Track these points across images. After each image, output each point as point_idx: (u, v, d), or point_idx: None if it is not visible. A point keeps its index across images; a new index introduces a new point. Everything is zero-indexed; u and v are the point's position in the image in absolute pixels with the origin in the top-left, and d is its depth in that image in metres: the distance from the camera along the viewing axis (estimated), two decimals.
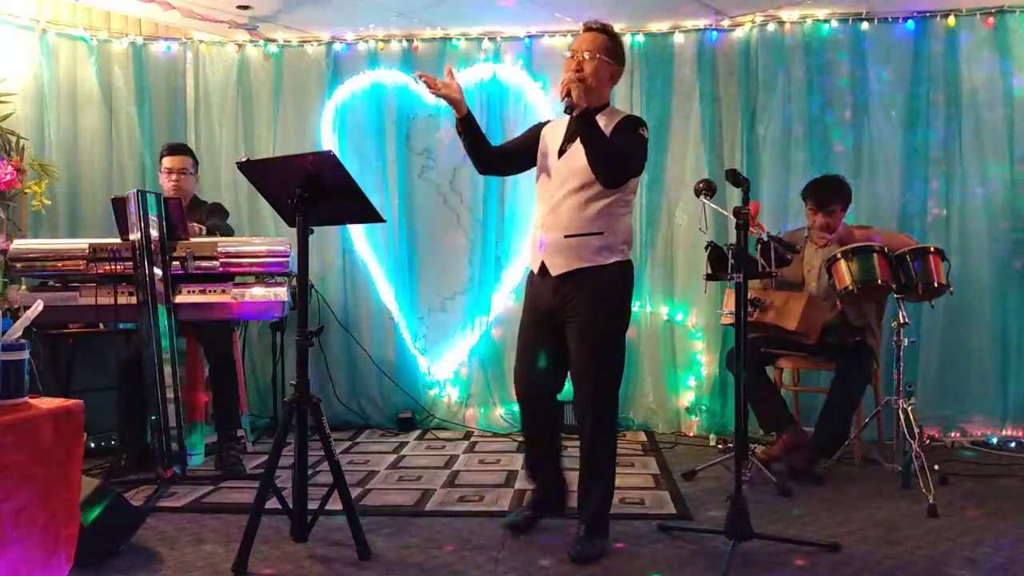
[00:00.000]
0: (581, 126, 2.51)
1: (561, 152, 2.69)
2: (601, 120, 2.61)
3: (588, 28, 2.72)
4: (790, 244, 2.88)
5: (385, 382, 4.77)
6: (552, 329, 2.72)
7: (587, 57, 2.63)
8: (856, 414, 3.70)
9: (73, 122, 4.57)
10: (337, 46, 4.81)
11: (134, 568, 2.52)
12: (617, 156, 2.55)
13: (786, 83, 4.44)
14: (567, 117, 2.63)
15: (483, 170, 2.95)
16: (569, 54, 2.68)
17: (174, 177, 3.87)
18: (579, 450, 2.72)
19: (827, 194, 3.78)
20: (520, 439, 4.31)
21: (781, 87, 4.44)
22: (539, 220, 2.73)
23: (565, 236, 2.62)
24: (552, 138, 2.76)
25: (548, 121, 2.90)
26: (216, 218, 3.90)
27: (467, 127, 2.76)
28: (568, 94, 2.47)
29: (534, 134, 2.85)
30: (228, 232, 3.88)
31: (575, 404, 2.76)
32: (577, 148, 2.60)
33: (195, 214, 3.88)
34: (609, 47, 2.67)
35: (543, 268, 2.69)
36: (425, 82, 2.71)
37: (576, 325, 2.64)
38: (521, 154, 2.87)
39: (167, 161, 3.90)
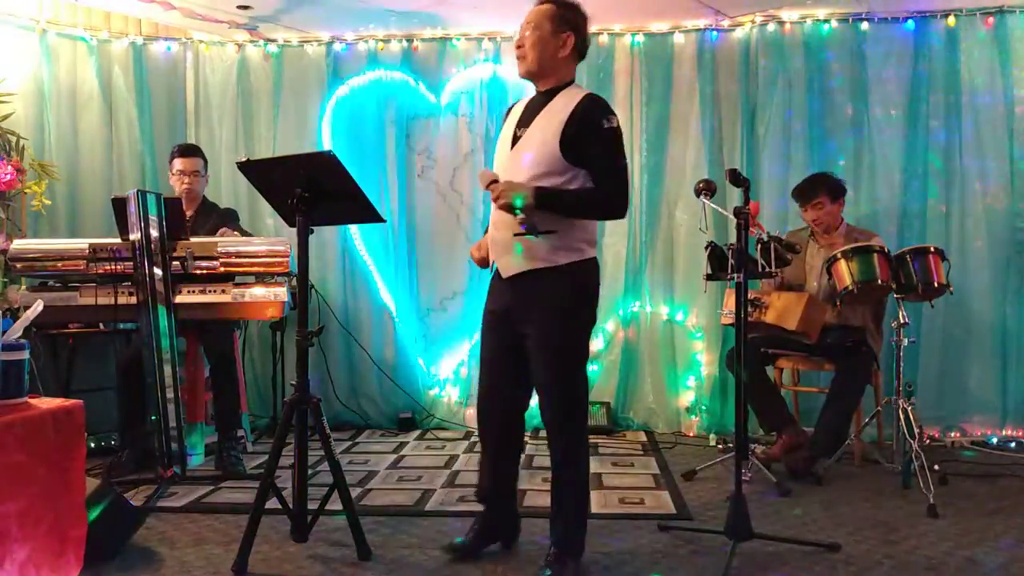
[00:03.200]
0: (552, 212, 2.28)
1: (515, 140, 2.43)
2: (561, 100, 2.36)
3: (539, 2, 2.45)
4: (790, 244, 2.88)
5: (385, 382, 4.77)
6: (511, 332, 2.46)
7: (529, 31, 2.39)
8: (856, 414, 3.70)
9: (73, 122, 4.57)
10: (337, 46, 4.81)
11: (134, 568, 2.51)
12: (606, 197, 2.35)
13: (786, 83, 4.44)
14: (529, 96, 2.50)
15: None
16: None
17: (187, 180, 3.87)
18: (551, 464, 2.48)
19: (808, 189, 3.85)
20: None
21: (781, 87, 4.44)
22: (493, 216, 2.46)
23: (515, 235, 2.33)
24: (510, 123, 2.51)
25: (514, 105, 2.61)
26: (232, 223, 3.91)
27: None
28: (510, 211, 2.26)
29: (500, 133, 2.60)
30: None
31: (542, 418, 2.47)
32: (532, 130, 2.38)
33: (208, 218, 3.89)
34: (556, 14, 2.39)
35: (497, 269, 2.48)
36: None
37: (532, 334, 2.39)
38: None
39: (179, 163, 3.90)
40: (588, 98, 2.37)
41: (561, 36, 2.39)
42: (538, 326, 2.39)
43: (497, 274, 2.50)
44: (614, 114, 2.37)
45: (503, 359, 2.52)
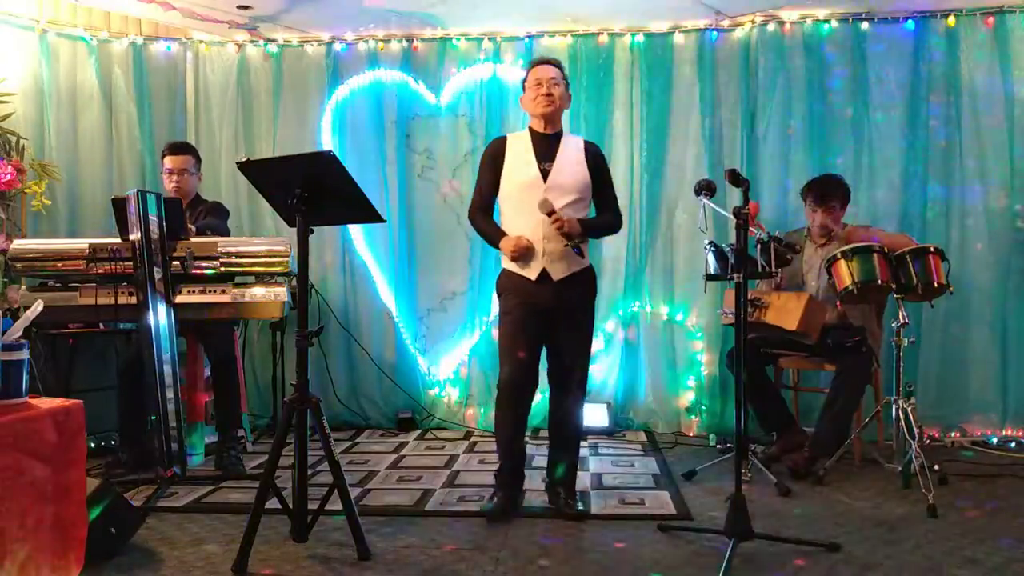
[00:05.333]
0: (588, 237, 3.09)
1: (544, 173, 3.02)
2: (569, 143, 3.10)
3: (545, 61, 3.11)
4: (790, 244, 2.89)
5: (385, 382, 4.77)
6: (542, 328, 3.06)
7: (557, 84, 3.05)
8: (856, 414, 3.70)
9: (73, 122, 4.57)
10: (337, 46, 4.81)
11: (134, 568, 2.51)
12: (615, 222, 3.19)
13: (786, 83, 4.44)
14: (524, 134, 3.12)
15: None
16: (536, 82, 3.05)
17: (175, 178, 3.86)
18: (551, 426, 3.19)
19: (827, 191, 3.81)
20: None
21: (781, 87, 4.44)
22: (538, 232, 2.99)
23: (565, 245, 2.96)
24: (521, 157, 3.06)
25: (503, 138, 3.17)
26: (213, 217, 3.87)
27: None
28: (569, 238, 2.94)
29: (497, 160, 3.10)
30: (222, 232, 3.82)
31: (562, 382, 3.13)
32: (560, 167, 3.02)
33: (196, 214, 3.87)
34: (565, 77, 3.12)
35: (543, 274, 3.00)
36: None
37: (573, 319, 3.07)
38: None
39: (168, 161, 3.88)
40: (590, 143, 3.18)
41: (569, 92, 3.15)
42: (578, 310, 3.09)
43: (534, 282, 3.02)
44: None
45: (534, 348, 3.08)
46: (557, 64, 3.12)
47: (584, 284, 3.10)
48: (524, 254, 2.99)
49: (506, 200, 3.09)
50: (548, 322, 3.05)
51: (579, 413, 3.16)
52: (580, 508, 3.03)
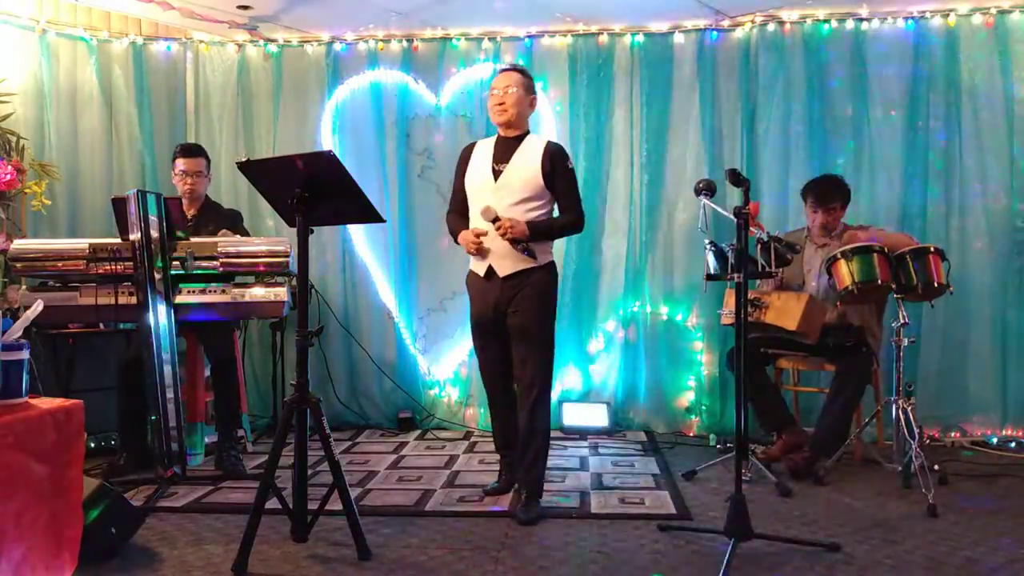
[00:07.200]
0: (541, 239, 3.09)
1: (496, 173, 3.11)
2: (529, 144, 3.13)
3: (503, 70, 3.22)
4: (790, 244, 2.88)
5: (385, 382, 4.77)
6: (497, 322, 3.15)
7: (508, 92, 3.11)
8: (856, 414, 3.70)
9: (73, 122, 4.57)
10: (337, 46, 4.81)
11: (134, 568, 2.51)
12: (575, 222, 3.15)
13: (786, 83, 4.43)
14: (492, 139, 3.22)
15: None
16: (492, 91, 3.16)
17: (189, 180, 3.86)
18: (519, 425, 3.12)
19: (828, 192, 3.81)
20: None
21: (781, 87, 4.44)
22: (488, 229, 3.08)
23: (516, 247, 3.05)
24: (481, 159, 3.19)
25: (472, 144, 3.31)
26: (236, 227, 3.89)
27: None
28: (516, 242, 3.01)
29: (462, 166, 3.27)
30: None
31: (517, 382, 3.15)
32: (511, 167, 3.09)
33: (210, 218, 3.88)
34: (525, 82, 3.16)
35: (490, 270, 3.11)
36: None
37: (519, 316, 3.08)
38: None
39: (181, 163, 3.88)
40: (552, 144, 3.17)
41: (529, 97, 3.18)
42: (524, 307, 3.08)
43: (483, 278, 3.15)
44: (570, 157, 3.19)
45: (497, 342, 3.21)
46: (519, 70, 3.20)
47: (533, 283, 3.08)
48: (477, 247, 3.10)
49: (470, 202, 3.20)
50: (500, 318, 3.13)
51: (537, 414, 3.08)
52: (526, 516, 2.94)
